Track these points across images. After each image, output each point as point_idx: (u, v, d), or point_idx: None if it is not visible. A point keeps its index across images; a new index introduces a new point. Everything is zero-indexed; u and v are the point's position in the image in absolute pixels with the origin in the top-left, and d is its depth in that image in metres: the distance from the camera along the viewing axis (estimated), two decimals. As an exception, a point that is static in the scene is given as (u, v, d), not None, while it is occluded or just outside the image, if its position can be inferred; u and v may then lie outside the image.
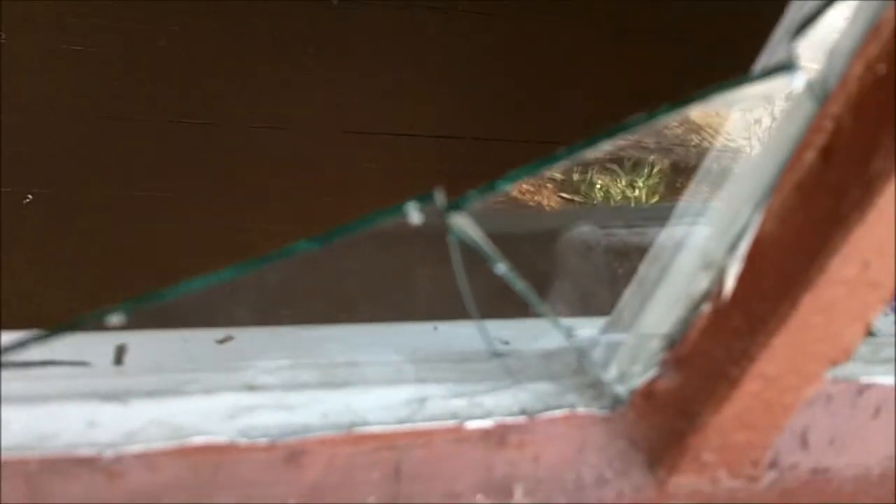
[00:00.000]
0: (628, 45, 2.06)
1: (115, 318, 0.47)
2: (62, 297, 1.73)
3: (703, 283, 0.50)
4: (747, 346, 0.49)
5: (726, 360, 0.50)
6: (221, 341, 0.64)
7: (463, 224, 0.46)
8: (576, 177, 2.60)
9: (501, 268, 0.46)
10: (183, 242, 1.84)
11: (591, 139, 0.42)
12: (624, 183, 2.65)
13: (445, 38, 1.99)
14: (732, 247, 0.48)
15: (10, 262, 1.72)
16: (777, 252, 0.46)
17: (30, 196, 1.82)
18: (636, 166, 2.65)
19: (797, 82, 0.42)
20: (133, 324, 0.48)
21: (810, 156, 0.44)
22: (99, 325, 0.51)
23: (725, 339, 0.50)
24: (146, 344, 0.60)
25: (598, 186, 2.65)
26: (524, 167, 0.47)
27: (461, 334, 0.63)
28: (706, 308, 0.51)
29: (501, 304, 0.55)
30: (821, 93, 0.42)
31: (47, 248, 1.84)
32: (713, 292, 0.50)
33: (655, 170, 2.64)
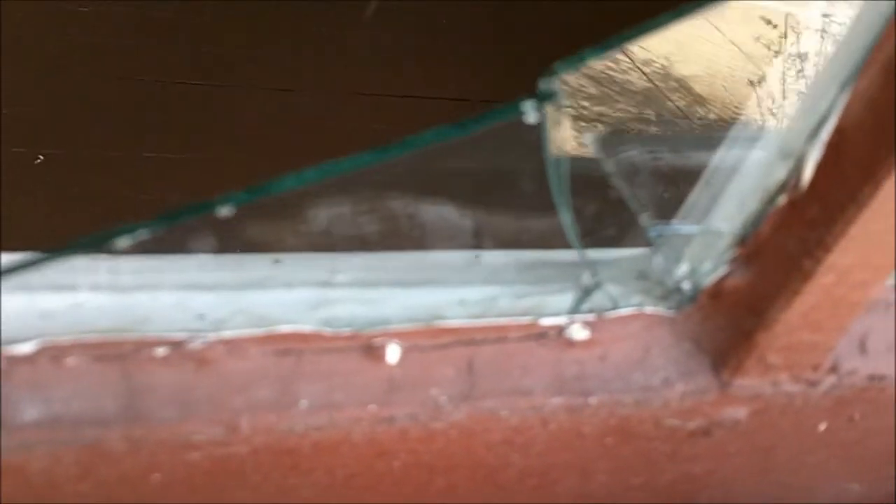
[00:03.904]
0: (631, 7, 2.06)
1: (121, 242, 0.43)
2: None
3: (779, 173, 0.51)
4: (823, 236, 0.50)
5: (800, 252, 0.51)
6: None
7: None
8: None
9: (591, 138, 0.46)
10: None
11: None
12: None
13: (458, 1, 1.99)
14: (813, 133, 0.48)
15: (21, 223, 1.72)
16: (860, 136, 0.47)
17: (41, 156, 1.82)
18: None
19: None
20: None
21: (900, 34, 0.44)
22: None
23: (800, 231, 0.51)
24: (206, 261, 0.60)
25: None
26: (604, 42, 0.48)
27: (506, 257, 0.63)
28: (781, 200, 0.52)
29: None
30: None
31: (58, 209, 1.84)
32: (790, 183, 0.51)
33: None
